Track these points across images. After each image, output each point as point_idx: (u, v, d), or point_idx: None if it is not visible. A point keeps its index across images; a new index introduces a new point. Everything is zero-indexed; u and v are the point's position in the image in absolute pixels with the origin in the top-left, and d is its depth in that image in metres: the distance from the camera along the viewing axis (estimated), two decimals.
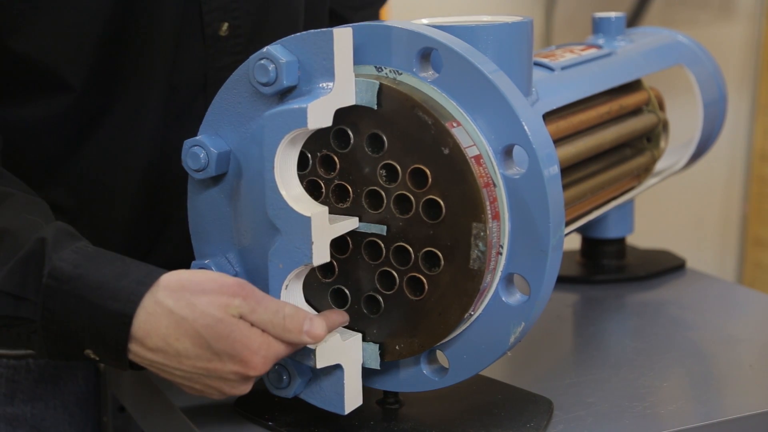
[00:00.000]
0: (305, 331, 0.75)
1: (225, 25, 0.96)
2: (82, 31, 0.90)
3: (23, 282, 0.77)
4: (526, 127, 0.73)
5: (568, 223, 0.98)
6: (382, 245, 0.77)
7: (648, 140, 1.17)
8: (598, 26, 1.15)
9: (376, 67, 0.77)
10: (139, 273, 0.77)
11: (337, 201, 0.78)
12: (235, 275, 0.82)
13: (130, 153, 0.96)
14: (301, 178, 0.78)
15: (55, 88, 0.93)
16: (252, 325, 0.76)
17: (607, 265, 1.26)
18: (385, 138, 0.75)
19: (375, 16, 1.24)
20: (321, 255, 0.74)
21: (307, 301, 0.79)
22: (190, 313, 0.75)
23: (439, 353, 0.80)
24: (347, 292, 0.79)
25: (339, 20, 1.17)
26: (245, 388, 0.78)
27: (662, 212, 2.51)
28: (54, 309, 0.77)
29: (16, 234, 0.79)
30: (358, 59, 0.77)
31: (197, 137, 0.79)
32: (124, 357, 0.77)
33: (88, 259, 0.78)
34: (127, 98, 0.95)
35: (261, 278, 0.80)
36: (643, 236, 1.53)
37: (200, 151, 0.79)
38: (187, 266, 0.83)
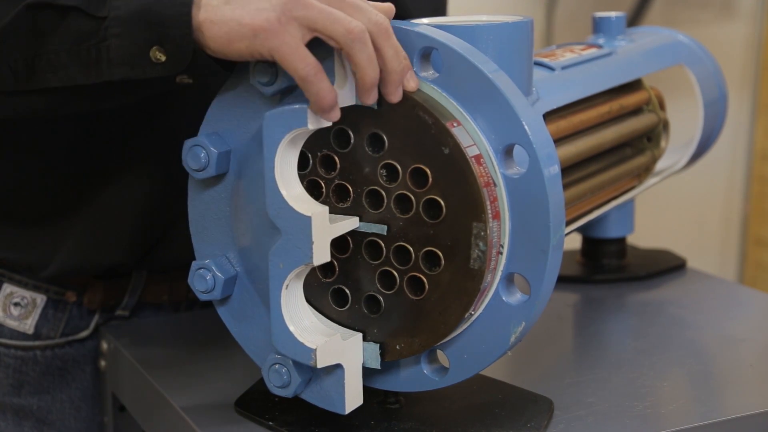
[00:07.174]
0: None
1: None
2: None
3: None
4: (526, 127, 0.73)
5: (568, 223, 0.98)
6: (383, 245, 0.77)
7: (648, 140, 1.17)
8: (598, 26, 1.15)
9: None
10: None
11: (337, 201, 0.78)
12: (235, 275, 0.82)
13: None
14: (302, 177, 0.78)
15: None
16: None
17: (608, 265, 1.26)
18: (385, 138, 0.75)
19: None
20: (321, 255, 0.74)
21: (308, 300, 0.79)
22: None
23: (439, 353, 0.80)
24: (347, 291, 0.79)
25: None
26: None
27: (663, 212, 2.51)
28: None
29: None
30: None
31: (198, 137, 0.79)
32: (189, 23, 0.73)
33: None
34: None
35: (261, 278, 0.81)
36: (643, 236, 1.53)
37: (200, 150, 0.79)
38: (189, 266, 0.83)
